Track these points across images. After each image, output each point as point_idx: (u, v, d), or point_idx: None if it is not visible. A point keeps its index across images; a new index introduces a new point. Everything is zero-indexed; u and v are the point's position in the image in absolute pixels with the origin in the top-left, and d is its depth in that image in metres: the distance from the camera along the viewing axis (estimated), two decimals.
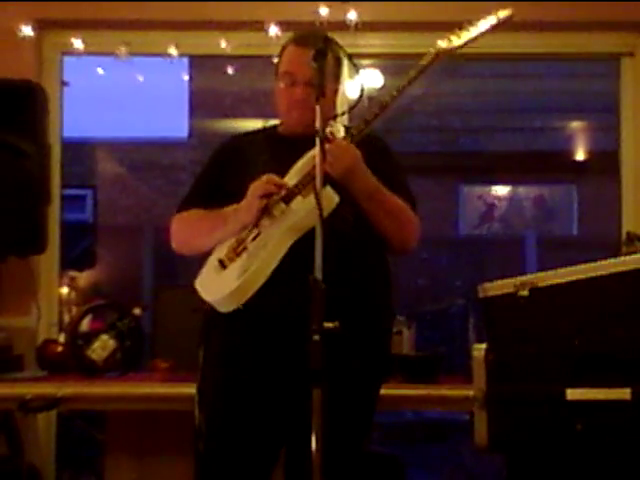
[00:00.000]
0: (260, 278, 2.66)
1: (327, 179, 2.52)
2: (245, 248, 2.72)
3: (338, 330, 2.51)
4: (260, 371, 2.72)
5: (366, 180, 2.72)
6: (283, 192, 2.68)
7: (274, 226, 2.68)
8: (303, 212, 2.63)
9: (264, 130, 3.04)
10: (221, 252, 2.78)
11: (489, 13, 2.77)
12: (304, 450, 2.28)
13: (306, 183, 2.65)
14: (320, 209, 2.34)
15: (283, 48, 2.91)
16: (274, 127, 3.00)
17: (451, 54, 2.79)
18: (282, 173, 2.73)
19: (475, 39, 2.80)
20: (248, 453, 2.73)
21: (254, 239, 2.71)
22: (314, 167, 2.42)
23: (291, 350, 2.59)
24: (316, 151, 2.38)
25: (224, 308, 2.73)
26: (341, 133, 2.76)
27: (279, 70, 2.88)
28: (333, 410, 2.35)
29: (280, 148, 2.85)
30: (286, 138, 2.89)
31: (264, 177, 2.71)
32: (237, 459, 2.73)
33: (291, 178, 2.72)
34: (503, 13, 2.76)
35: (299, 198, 2.67)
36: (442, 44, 2.78)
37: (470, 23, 2.79)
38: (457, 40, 2.80)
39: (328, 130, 2.65)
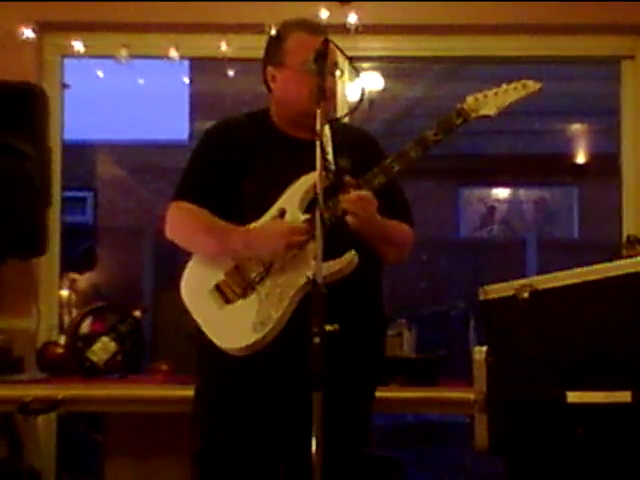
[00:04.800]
0: (275, 332, 2.59)
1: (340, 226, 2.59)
2: (253, 288, 2.65)
3: (338, 333, 2.52)
4: (260, 384, 2.68)
5: (378, 226, 2.70)
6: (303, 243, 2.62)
7: (288, 275, 2.61)
8: (325, 270, 2.54)
9: (254, 118, 2.90)
10: (217, 275, 2.70)
11: (518, 81, 2.69)
12: (303, 457, 2.28)
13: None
14: (322, 217, 2.34)
15: (283, 35, 2.81)
16: (266, 116, 2.87)
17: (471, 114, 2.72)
18: (287, 182, 2.68)
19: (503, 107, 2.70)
20: (249, 466, 2.71)
21: (262, 279, 2.64)
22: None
23: (290, 364, 2.57)
24: (317, 157, 2.37)
25: (232, 352, 2.64)
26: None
27: (294, 59, 2.73)
28: (331, 414, 2.35)
29: (283, 150, 2.77)
30: (289, 139, 2.80)
31: (289, 227, 2.63)
32: (237, 472, 2.72)
33: (290, 202, 2.68)
34: (535, 86, 2.71)
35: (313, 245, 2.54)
36: (469, 106, 2.71)
37: (498, 87, 2.70)
38: (486, 107, 2.71)
39: (348, 179, 2.62)
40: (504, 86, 2.70)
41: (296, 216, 2.67)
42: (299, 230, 2.63)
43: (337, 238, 2.61)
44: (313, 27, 2.81)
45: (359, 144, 2.91)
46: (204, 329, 2.69)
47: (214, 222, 2.74)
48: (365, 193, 2.63)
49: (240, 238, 2.68)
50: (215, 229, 2.74)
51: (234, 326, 2.64)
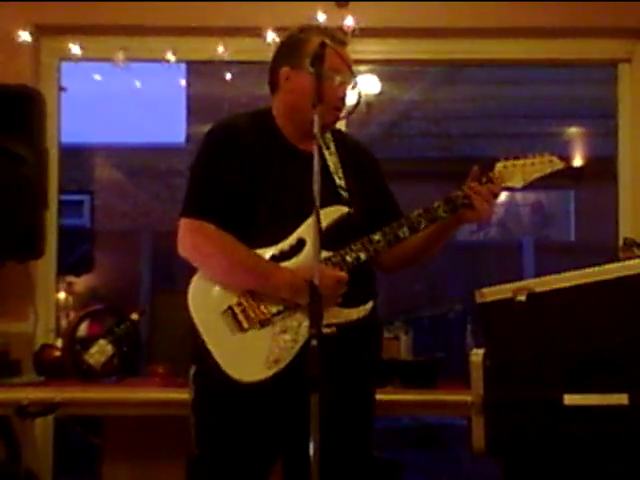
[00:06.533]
0: (285, 369, 2.58)
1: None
2: (270, 321, 2.61)
3: (335, 335, 2.52)
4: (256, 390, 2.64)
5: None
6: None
7: (306, 316, 2.42)
8: (344, 318, 2.61)
9: (259, 122, 2.80)
10: (230, 297, 2.64)
11: (542, 156, 2.73)
12: (303, 458, 2.27)
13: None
14: (318, 219, 2.34)
15: (305, 39, 2.73)
16: (270, 121, 2.80)
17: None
18: (301, 202, 2.57)
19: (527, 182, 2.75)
20: (244, 464, 2.70)
21: (279, 314, 2.62)
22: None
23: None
24: (315, 160, 2.37)
25: (240, 382, 2.60)
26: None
27: (317, 63, 2.49)
28: (335, 418, 2.36)
29: (296, 167, 2.65)
30: (300, 154, 2.72)
31: (336, 278, 2.59)
32: (233, 470, 2.70)
33: (309, 234, 2.60)
34: (560, 164, 2.73)
35: None
36: (499, 174, 2.73)
37: (526, 158, 2.73)
38: (514, 179, 2.73)
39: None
40: (531, 158, 2.73)
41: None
42: (345, 281, 2.61)
43: (356, 282, 2.63)
44: (336, 35, 2.77)
45: (360, 155, 2.92)
46: (213, 353, 2.62)
47: (252, 257, 2.65)
48: (495, 192, 2.70)
49: (285, 280, 2.61)
50: (256, 266, 2.65)
51: (245, 357, 2.60)
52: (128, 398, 3.54)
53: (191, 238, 2.68)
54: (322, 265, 2.52)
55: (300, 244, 2.66)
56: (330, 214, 2.63)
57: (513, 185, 2.74)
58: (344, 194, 2.74)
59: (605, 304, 2.52)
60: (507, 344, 2.57)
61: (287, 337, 2.60)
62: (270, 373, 2.57)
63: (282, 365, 2.58)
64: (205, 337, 2.64)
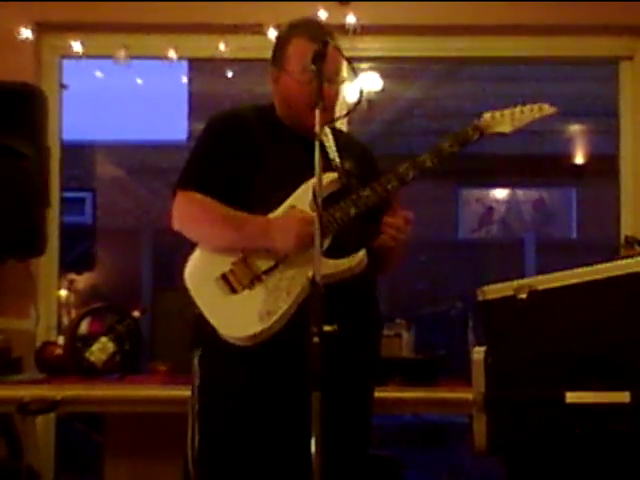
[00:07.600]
0: (281, 324, 2.59)
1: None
2: (260, 279, 2.63)
3: (337, 333, 2.52)
4: (263, 388, 2.66)
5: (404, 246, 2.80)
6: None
7: (297, 269, 2.58)
8: (333, 268, 2.59)
9: (261, 111, 2.87)
10: (224, 264, 2.67)
11: (531, 104, 2.72)
12: (304, 454, 2.27)
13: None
14: (320, 216, 2.34)
15: (287, 39, 2.79)
16: (272, 111, 2.86)
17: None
18: (297, 180, 2.67)
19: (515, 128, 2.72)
20: (254, 444, 2.69)
21: (269, 271, 2.64)
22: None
23: (293, 367, 2.54)
24: (316, 157, 2.38)
25: (236, 342, 2.62)
26: None
27: (293, 66, 2.71)
28: (334, 415, 2.35)
29: (293, 148, 2.74)
30: (297, 137, 2.76)
31: (304, 216, 2.60)
32: (243, 451, 2.70)
33: (300, 200, 2.66)
34: (549, 110, 2.72)
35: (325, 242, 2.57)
36: (485, 122, 2.70)
37: (515, 108, 2.71)
38: (502, 125, 2.70)
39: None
40: (520, 107, 2.72)
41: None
42: (309, 220, 2.58)
43: (347, 236, 2.65)
44: (317, 33, 2.74)
45: (359, 150, 2.95)
46: (208, 317, 2.65)
47: (230, 212, 2.69)
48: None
49: (259, 226, 2.66)
50: (232, 219, 2.69)
51: (239, 315, 2.63)
52: (130, 396, 3.54)
53: (179, 208, 2.77)
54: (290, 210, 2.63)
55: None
56: (323, 179, 2.62)
57: (502, 130, 2.71)
58: (335, 164, 2.77)
59: (607, 302, 2.51)
60: (508, 342, 2.57)
61: (279, 291, 2.61)
62: (265, 325, 2.58)
63: (275, 317, 2.58)
64: (200, 304, 2.68)
